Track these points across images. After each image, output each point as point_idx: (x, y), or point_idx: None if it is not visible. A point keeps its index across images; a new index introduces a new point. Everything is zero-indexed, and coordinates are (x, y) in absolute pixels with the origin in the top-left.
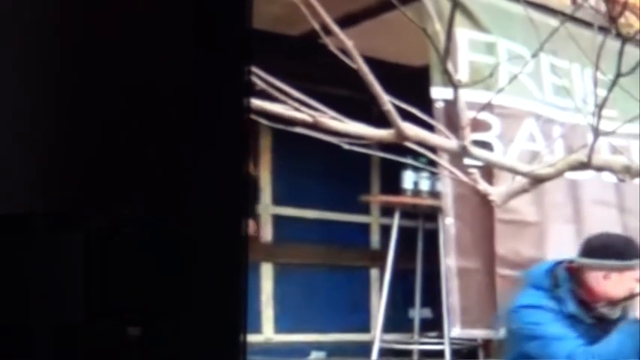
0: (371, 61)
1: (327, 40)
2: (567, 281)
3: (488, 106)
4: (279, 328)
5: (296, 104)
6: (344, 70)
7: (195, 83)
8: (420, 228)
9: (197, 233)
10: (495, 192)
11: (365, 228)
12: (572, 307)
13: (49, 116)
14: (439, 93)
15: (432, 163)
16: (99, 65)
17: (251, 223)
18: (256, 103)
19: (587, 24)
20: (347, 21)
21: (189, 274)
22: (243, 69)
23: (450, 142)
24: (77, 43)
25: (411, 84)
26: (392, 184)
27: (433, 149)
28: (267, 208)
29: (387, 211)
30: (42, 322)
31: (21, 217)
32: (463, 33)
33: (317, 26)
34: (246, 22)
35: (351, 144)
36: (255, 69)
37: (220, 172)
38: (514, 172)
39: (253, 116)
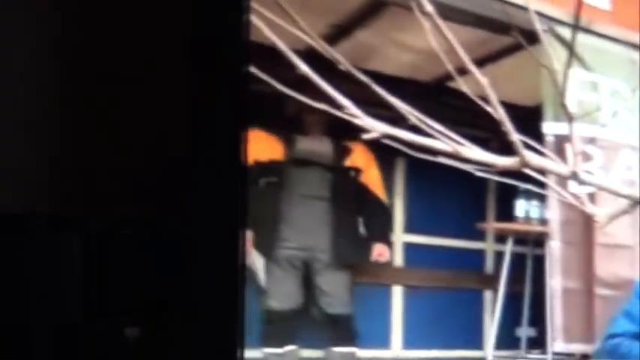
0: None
1: (459, 82)
2: None
3: (592, 139)
4: (407, 344)
5: (439, 136)
6: (466, 110)
7: (194, 84)
8: (530, 253)
9: (196, 234)
10: (600, 213)
11: (481, 254)
12: None
13: (48, 117)
14: (550, 128)
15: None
16: (99, 66)
17: (385, 249)
18: (405, 135)
19: None
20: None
21: (189, 274)
22: (242, 71)
23: (563, 169)
24: (77, 45)
25: (521, 121)
26: (506, 213)
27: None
28: (399, 235)
29: (500, 237)
30: (41, 322)
31: (21, 217)
32: (572, 72)
33: (451, 69)
34: (243, 31)
35: (481, 171)
36: (401, 105)
37: (220, 173)
38: (617, 194)
39: (393, 145)
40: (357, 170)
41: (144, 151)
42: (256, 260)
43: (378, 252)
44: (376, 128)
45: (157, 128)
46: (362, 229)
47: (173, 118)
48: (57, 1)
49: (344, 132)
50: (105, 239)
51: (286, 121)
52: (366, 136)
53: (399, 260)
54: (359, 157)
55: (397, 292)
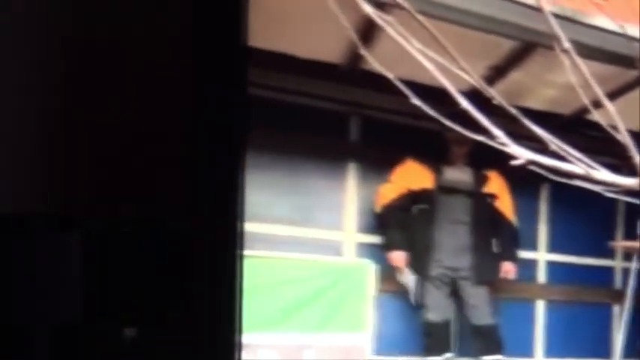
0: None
1: (594, 113)
2: None
3: None
4: (548, 353)
5: (574, 160)
6: (601, 140)
7: (195, 84)
8: None
9: (197, 234)
10: None
11: (611, 271)
12: None
13: (48, 116)
14: None
15: None
16: (99, 67)
17: (512, 267)
18: (546, 160)
19: None
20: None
21: (189, 274)
22: (242, 73)
23: None
24: (78, 43)
25: None
26: (632, 232)
27: None
28: (543, 255)
29: (627, 255)
30: (40, 322)
31: (20, 217)
32: None
33: (587, 102)
34: (242, 37)
35: (610, 192)
36: (542, 134)
37: (220, 172)
38: None
39: (537, 170)
40: (493, 196)
41: (144, 151)
42: (409, 278)
43: (506, 270)
44: (523, 155)
45: (157, 128)
46: (495, 249)
47: (174, 118)
48: (56, 1)
49: (483, 162)
50: (105, 239)
51: (436, 153)
52: (514, 163)
53: (542, 277)
54: (494, 185)
55: (540, 306)
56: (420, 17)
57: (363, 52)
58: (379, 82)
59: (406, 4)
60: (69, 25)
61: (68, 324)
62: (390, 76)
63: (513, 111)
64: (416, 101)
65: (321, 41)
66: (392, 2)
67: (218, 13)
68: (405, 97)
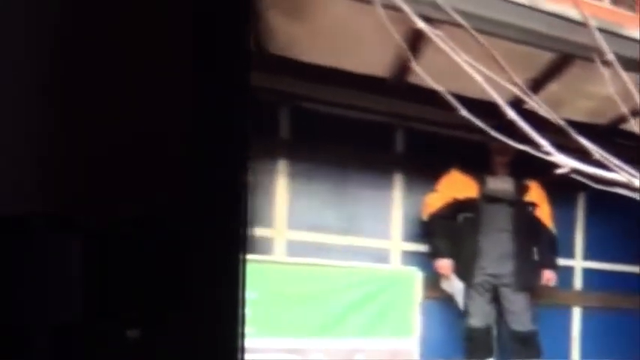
0: None
1: (632, 122)
2: None
3: None
4: (584, 358)
5: (615, 169)
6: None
7: (195, 85)
8: None
9: (197, 234)
10: None
11: None
12: None
13: (48, 116)
14: None
15: None
16: (100, 67)
17: (552, 275)
18: (589, 169)
19: None
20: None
21: (189, 275)
22: (245, 76)
23: None
24: (77, 43)
25: None
26: None
27: None
28: (579, 262)
29: None
30: (41, 323)
31: (20, 218)
32: None
33: (626, 111)
34: (245, 38)
35: None
36: (588, 144)
37: (221, 172)
38: None
39: (579, 179)
40: (534, 205)
41: (144, 152)
42: (456, 285)
43: (547, 277)
44: (568, 164)
45: (157, 128)
46: (535, 257)
47: (174, 118)
48: (56, 2)
49: (524, 171)
50: (105, 239)
51: (479, 164)
52: (558, 171)
53: (578, 284)
54: (535, 194)
55: (577, 313)
56: (473, 32)
57: (413, 65)
58: (424, 95)
59: (460, 20)
60: (69, 25)
61: (68, 324)
62: (440, 89)
63: (560, 122)
64: (464, 113)
65: (369, 55)
66: (446, 19)
67: (220, 13)
68: (450, 109)
